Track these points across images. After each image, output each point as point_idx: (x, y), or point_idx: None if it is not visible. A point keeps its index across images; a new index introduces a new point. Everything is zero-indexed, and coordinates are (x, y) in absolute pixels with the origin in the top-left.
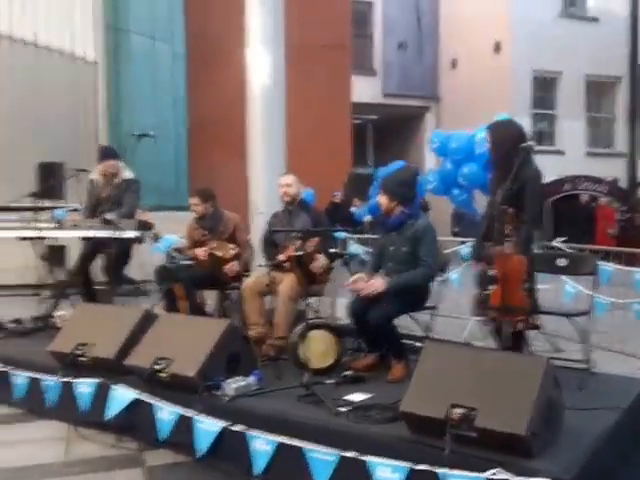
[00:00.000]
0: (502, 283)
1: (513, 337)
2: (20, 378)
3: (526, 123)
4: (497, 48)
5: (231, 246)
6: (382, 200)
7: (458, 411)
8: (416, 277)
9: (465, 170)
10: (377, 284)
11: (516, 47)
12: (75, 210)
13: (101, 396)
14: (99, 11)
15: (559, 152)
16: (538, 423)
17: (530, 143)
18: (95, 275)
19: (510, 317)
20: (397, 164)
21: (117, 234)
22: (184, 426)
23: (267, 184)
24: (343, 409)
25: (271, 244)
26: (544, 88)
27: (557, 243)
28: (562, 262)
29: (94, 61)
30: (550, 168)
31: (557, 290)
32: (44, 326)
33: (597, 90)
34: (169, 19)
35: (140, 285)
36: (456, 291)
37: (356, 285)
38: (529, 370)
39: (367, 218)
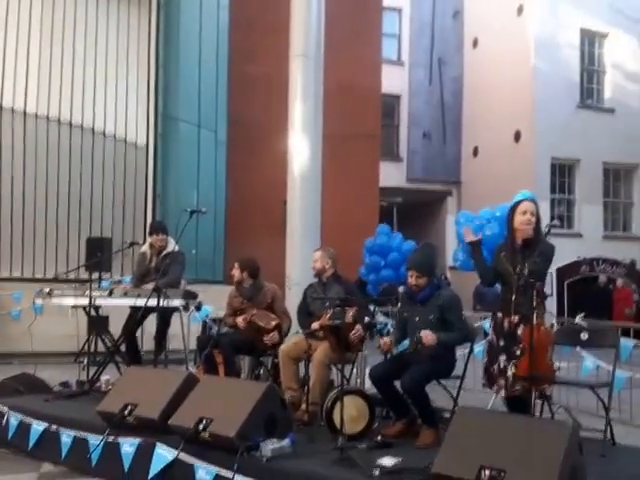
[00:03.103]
0: (529, 353)
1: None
2: (67, 437)
3: (545, 207)
4: (517, 137)
5: (272, 317)
6: (413, 278)
7: (488, 473)
8: (456, 339)
9: None
10: (430, 337)
11: (536, 136)
12: (119, 282)
13: (144, 455)
14: (152, 101)
15: (577, 235)
16: None
17: (556, 222)
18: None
19: (537, 386)
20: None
21: (165, 302)
22: None
23: (304, 257)
24: (377, 472)
25: (306, 313)
26: (563, 174)
27: (578, 319)
28: (585, 335)
29: (145, 145)
30: (568, 250)
31: (577, 367)
32: (89, 390)
33: (615, 176)
34: (214, 109)
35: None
36: (479, 364)
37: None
38: (556, 435)
39: (402, 289)
